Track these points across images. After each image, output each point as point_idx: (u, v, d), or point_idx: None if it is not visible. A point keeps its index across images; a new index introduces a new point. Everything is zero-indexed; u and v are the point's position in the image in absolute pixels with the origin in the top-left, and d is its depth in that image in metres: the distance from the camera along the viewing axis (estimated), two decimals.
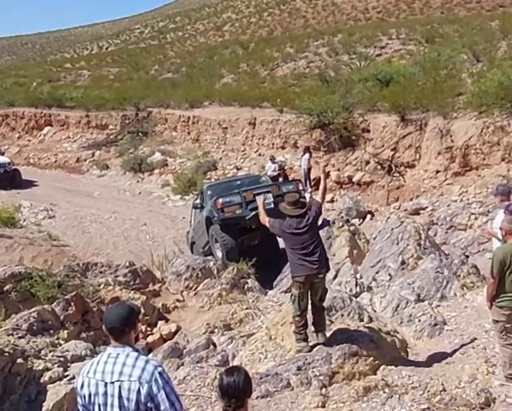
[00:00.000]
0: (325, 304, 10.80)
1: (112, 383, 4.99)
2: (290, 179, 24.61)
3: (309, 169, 27.50)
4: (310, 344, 9.76)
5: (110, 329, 5.11)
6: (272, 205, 17.99)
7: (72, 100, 48.40)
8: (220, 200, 18.15)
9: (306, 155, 27.41)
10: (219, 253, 18.29)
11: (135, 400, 4.93)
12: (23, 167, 40.74)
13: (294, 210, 9.69)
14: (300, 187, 21.11)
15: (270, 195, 18.12)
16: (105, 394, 5.02)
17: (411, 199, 23.71)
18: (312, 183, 27.48)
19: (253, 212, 17.80)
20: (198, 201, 21.14)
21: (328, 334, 10.04)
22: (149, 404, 4.92)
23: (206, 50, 72.63)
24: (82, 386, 5.16)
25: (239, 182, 20.78)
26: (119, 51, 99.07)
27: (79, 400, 5.25)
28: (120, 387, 4.96)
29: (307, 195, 23.83)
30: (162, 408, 4.91)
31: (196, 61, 64.84)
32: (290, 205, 9.76)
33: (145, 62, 72.18)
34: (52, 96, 49.41)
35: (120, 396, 4.96)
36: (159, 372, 4.99)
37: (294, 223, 9.63)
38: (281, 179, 25.40)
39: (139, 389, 4.91)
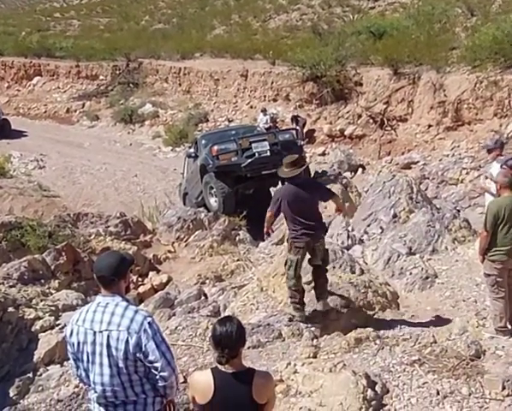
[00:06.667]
0: None
1: (101, 332, 4.98)
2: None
3: (303, 124, 27.41)
4: (306, 313, 9.54)
5: (99, 277, 5.09)
6: (268, 154, 17.87)
7: (62, 50, 47.68)
8: (215, 147, 17.89)
9: (297, 124, 27.04)
10: (213, 203, 18.12)
11: (124, 350, 4.92)
12: (13, 117, 40.24)
13: (293, 170, 9.20)
14: (297, 136, 20.96)
15: (266, 143, 17.98)
16: (94, 343, 5.02)
17: (403, 153, 23.69)
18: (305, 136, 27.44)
19: (249, 160, 17.67)
20: (192, 150, 20.82)
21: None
22: (138, 354, 4.92)
23: (198, 1, 71.54)
24: (71, 334, 5.15)
25: (234, 132, 20.58)
26: (109, 1, 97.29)
27: (68, 348, 5.26)
28: (108, 336, 4.95)
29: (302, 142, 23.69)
30: (151, 357, 4.91)
31: (187, 12, 64.07)
32: (288, 166, 9.28)
33: (135, 13, 71.21)
34: (42, 45, 48.70)
35: (108, 346, 4.96)
36: (149, 323, 4.98)
37: (293, 190, 9.22)
38: None
39: (127, 339, 4.90)
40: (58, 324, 10.03)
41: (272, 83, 31.93)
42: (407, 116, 25.07)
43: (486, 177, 11.50)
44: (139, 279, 13.83)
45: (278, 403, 6.97)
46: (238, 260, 14.26)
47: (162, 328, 7.00)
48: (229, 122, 32.35)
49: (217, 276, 13.39)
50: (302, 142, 26.02)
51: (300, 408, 7.09)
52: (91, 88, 43.06)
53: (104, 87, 42.36)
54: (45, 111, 42.59)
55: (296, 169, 9.21)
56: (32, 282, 11.65)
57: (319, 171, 20.36)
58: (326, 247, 9.73)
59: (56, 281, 12.18)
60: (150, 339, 4.91)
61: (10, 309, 9.88)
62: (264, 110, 28.66)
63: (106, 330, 4.97)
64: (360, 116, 26.76)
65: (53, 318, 10.24)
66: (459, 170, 19.38)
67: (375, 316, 9.84)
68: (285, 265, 9.52)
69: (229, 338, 4.79)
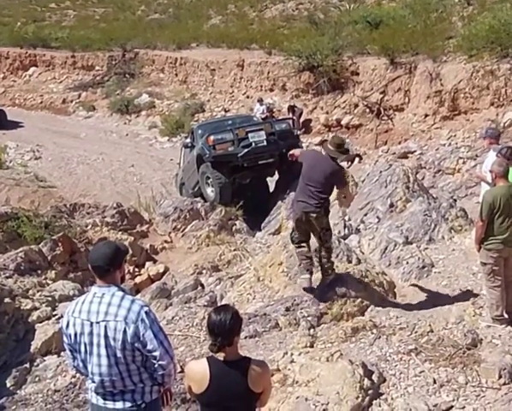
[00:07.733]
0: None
1: (98, 323, 4.97)
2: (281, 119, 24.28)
3: (300, 114, 27.37)
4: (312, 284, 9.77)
5: (94, 267, 5.07)
6: (265, 143, 17.87)
7: (57, 40, 47.33)
8: (212, 137, 17.86)
9: (294, 114, 26.95)
10: (210, 192, 18.09)
11: (121, 340, 4.92)
12: (8, 108, 40.10)
13: (335, 151, 9.51)
14: (294, 126, 20.91)
15: (262, 133, 17.95)
16: (91, 334, 5.01)
17: (399, 143, 23.65)
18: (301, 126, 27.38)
19: (245, 150, 17.64)
20: (188, 140, 20.74)
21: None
22: (136, 344, 4.92)
23: None
24: (68, 325, 5.14)
25: (230, 122, 20.52)
26: None
27: (64, 339, 5.24)
28: (106, 327, 4.95)
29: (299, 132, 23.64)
30: (150, 347, 4.92)
31: (183, 2, 63.75)
32: (333, 145, 9.57)
33: (131, 3, 70.80)
34: (37, 36, 48.28)
35: (106, 336, 4.96)
36: (146, 312, 4.98)
37: (316, 157, 9.84)
38: None
39: (125, 329, 4.90)
40: (55, 315, 10.01)
41: (269, 73, 31.87)
42: (403, 106, 25.03)
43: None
44: (136, 269, 13.84)
45: (275, 393, 6.98)
46: (235, 250, 14.28)
47: (159, 318, 7.03)
48: (226, 112, 32.28)
49: (214, 267, 13.41)
50: (299, 132, 26.01)
51: (297, 398, 7.09)
52: (87, 79, 42.88)
53: (100, 78, 42.21)
54: (41, 102, 42.43)
55: (338, 151, 9.57)
56: (28, 272, 11.62)
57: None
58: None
59: (53, 271, 12.16)
60: (147, 328, 4.92)
61: (7, 300, 9.86)
62: (260, 100, 28.64)
63: (103, 320, 4.96)
64: (356, 106, 26.73)
65: (50, 308, 10.23)
66: (455, 160, 19.35)
67: (372, 305, 9.84)
68: None
69: (223, 327, 4.79)
